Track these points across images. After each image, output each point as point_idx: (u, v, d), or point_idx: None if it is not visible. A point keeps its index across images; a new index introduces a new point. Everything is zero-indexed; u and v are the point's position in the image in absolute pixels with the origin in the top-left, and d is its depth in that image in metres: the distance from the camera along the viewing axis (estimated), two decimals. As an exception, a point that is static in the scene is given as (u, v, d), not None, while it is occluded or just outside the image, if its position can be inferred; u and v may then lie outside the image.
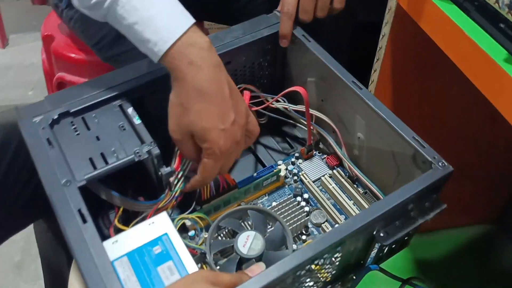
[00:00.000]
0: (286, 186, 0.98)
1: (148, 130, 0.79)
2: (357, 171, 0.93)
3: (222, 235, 0.87)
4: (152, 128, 0.79)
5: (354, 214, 0.91)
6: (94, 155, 0.76)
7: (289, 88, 0.92)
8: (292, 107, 0.97)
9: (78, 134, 0.78)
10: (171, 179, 0.81)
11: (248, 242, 0.81)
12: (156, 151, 0.77)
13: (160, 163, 0.79)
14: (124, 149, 0.77)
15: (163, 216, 0.72)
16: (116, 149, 0.77)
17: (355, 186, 0.95)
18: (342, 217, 0.92)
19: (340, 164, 1.00)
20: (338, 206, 0.94)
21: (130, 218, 0.79)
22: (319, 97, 0.99)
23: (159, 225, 0.71)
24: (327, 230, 0.90)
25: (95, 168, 0.74)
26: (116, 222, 0.77)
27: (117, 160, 0.76)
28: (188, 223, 0.87)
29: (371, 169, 0.94)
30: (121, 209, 0.79)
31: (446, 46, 0.84)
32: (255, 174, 0.93)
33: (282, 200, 0.94)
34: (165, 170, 0.79)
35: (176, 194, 0.83)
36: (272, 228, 0.87)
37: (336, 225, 0.91)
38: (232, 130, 0.69)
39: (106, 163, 0.75)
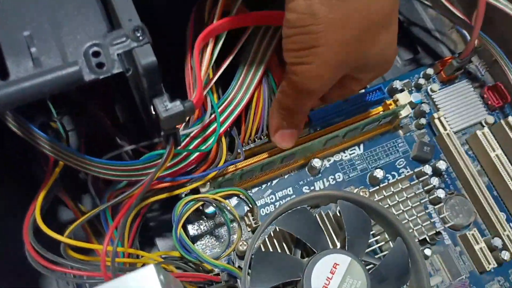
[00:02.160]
0: (401, 134, 0.50)
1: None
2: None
3: (274, 237, 0.41)
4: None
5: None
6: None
7: None
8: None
9: None
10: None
11: (336, 278, 0.37)
12: (148, 56, 0.28)
13: (154, 82, 0.30)
14: (62, 42, 0.28)
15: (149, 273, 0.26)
16: (37, 37, 0.28)
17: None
18: (510, 226, 0.46)
19: (510, 106, 0.51)
20: (497, 194, 0.48)
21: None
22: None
23: None
24: (476, 247, 0.45)
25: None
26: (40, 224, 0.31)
27: (37, 69, 0.27)
28: (207, 209, 0.41)
29: None
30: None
31: None
32: (339, 102, 0.46)
33: (388, 161, 0.48)
34: (168, 106, 0.30)
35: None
36: (376, 241, 0.42)
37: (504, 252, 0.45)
38: None
39: (4, 77, 0.26)
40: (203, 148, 0.40)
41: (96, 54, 0.28)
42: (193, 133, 0.40)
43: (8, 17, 0.29)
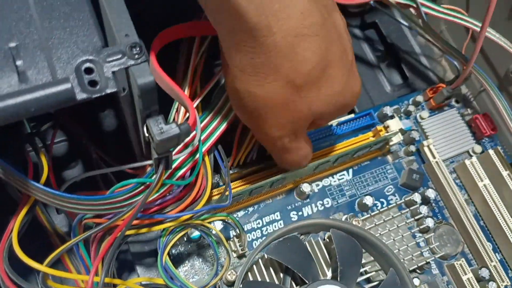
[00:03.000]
0: (390, 161, 0.49)
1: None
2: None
3: (261, 264, 0.39)
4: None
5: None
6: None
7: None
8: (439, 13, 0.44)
9: None
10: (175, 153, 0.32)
11: (326, 311, 0.35)
12: (145, 76, 0.26)
13: (150, 103, 0.28)
14: (51, 56, 0.26)
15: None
16: (24, 49, 0.26)
17: (520, 185, 0.48)
18: (496, 257, 0.46)
19: (498, 136, 0.52)
20: (484, 224, 0.48)
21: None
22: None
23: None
24: (464, 278, 0.44)
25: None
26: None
27: (22, 85, 0.25)
28: (192, 234, 0.39)
29: None
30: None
31: None
32: (329, 126, 0.46)
33: (377, 188, 0.47)
34: (161, 128, 0.28)
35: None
36: (365, 273, 0.41)
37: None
38: None
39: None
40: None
41: (89, 70, 0.26)
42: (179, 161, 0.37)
43: (-6, 25, 0.26)
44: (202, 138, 0.38)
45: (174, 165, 0.36)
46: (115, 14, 0.27)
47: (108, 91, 0.26)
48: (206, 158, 0.39)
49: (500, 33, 0.46)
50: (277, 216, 0.45)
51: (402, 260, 0.42)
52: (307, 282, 0.37)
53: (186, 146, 0.36)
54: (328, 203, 0.46)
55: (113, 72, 0.26)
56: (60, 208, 0.32)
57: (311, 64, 0.33)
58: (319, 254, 0.40)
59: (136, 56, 0.26)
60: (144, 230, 0.36)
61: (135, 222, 0.35)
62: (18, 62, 0.26)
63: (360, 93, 0.38)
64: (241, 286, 0.36)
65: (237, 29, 0.30)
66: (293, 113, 0.35)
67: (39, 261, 0.31)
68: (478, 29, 0.46)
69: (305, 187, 0.45)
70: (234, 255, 0.42)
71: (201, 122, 0.39)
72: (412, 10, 0.50)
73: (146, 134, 0.29)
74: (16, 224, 0.31)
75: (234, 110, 0.37)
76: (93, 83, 0.26)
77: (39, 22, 0.27)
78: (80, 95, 0.25)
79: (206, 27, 0.39)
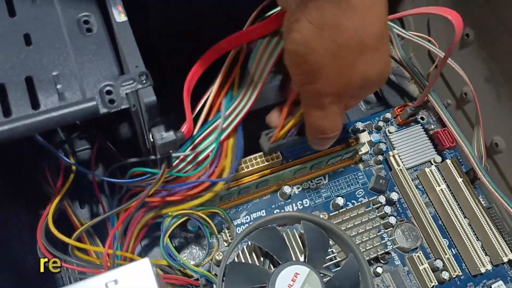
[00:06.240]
0: (361, 168, 0.58)
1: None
2: (483, 176, 0.53)
3: (246, 251, 0.48)
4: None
5: (469, 244, 0.53)
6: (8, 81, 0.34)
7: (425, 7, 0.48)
8: (411, 36, 0.53)
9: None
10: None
11: (296, 285, 0.44)
12: (149, 96, 0.35)
13: (153, 116, 0.37)
14: (82, 81, 0.35)
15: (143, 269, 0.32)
16: (62, 76, 0.35)
17: (475, 190, 0.56)
18: (450, 252, 0.54)
19: (456, 148, 0.60)
20: (442, 223, 0.56)
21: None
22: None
23: None
24: (421, 267, 0.52)
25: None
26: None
27: (61, 102, 0.34)
28: (191, 226, 0.49)
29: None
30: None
31: None
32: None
33: (349, 191, 0.56)
34: (164, 135, 0.37)
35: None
36: (334, 258, 0.49)
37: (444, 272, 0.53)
38: None
39: (35, 107, 0.34)
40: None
41: (109, 92, 0.35)
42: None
43: (43, 57, 0.36)
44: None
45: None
46: (129, 51, 0.37)
47: (123, 107, 0.35)
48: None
49: (453, 59, 0.55)
50: (263, 213, 0.54)
51: (364, 250, 0.50)
52: (281, 263, 0.45)
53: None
54: (306, 203, 0.55)
55: (126, 94, 0.35)
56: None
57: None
58: (293, 243, 0.48)
59: (144, 81, 0.36)
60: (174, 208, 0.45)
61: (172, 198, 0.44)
62: (59, 86, 0.35)
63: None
64: (227, 265, 0.45)
65: None
66: (349, 74, 0.36)
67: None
68: (441, 55, 0.54)
69: (286, 189, 0.53)
70: (226, 244, 0.51)
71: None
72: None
73: (151, 140, 0.38)
74: (51, 209, 0.40)
75: (290, 67, 0.38)
76: (111, 101, 0.35)
77: (74, 56, 0.36)
78: (102, 110, 0.34)
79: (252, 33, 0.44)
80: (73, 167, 0.45)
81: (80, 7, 0.38)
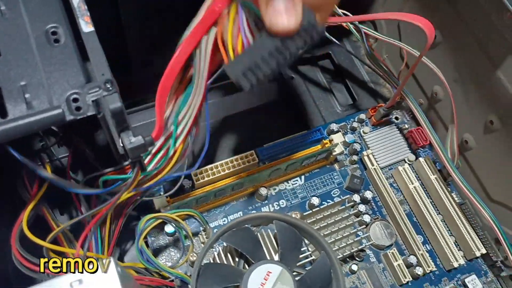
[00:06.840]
0: (336, 168, 0.59)
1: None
2: (454, 173, 0.54)
3: (221, 253, 0.49)
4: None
5: (443, 240, 0.54)
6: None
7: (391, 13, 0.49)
8: (384, 38, 0.55)
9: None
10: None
11: (268, 284, 0.45)
12: (115, 102, 0.37)
13: (121, 122, 0.39)
14: (49, 90, 0.37)
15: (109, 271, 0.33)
16: (31, 86, 0.36)
17: (448, 187, 0.57)
18: (423, 245, 0.55)
19: (430, 146, 0.61)
20: (416, 220, 0.57)
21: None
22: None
23: None
24: (395, 264, 0.53)
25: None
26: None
27: (29, 111, 0.36)
28: (168, 229, 0.50)
29: (483, 173, 0.56)
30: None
31: None
32: (285, 140, 0.55)
33: (325, 191, 0.57)
34: (132, 140, 0.39)
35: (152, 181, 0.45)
36: (309, 256, 0.50)
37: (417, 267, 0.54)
38: None
39: (3, 116, 0.35)
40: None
41: (75, 100, 0.37)
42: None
43: (12, 69, 0.37)
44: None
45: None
46: (96, 60, 0.38)
47: (89, 113, 0.36)
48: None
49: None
50: (240, 215, 0.55)
51: (338, 247, 0.51)
52: (254, 263, 0.46)
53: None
54: (283, 204, 0.56)
55: (93, 101, 0.37)
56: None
57: None
58: (268, 242, 0.49)
59: (109, 88, 0.37)
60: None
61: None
62: (27, 95, 0.37)
63: None
64: (202, 265, 0.46)
65: None
66: None
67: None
68: (417, 54, 0.54)
69: (262, 190, 0.55)
70: (202, 245, 0.52)
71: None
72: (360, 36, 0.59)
73: (121, 144, 0.40)
74: (25, 214, 0.41)
75: None
76: (78, 108, 0.36)
77: (41, 66, 0.38)
78: (69, 117, 0.36)
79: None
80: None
81: (48, 18, 0.40)
